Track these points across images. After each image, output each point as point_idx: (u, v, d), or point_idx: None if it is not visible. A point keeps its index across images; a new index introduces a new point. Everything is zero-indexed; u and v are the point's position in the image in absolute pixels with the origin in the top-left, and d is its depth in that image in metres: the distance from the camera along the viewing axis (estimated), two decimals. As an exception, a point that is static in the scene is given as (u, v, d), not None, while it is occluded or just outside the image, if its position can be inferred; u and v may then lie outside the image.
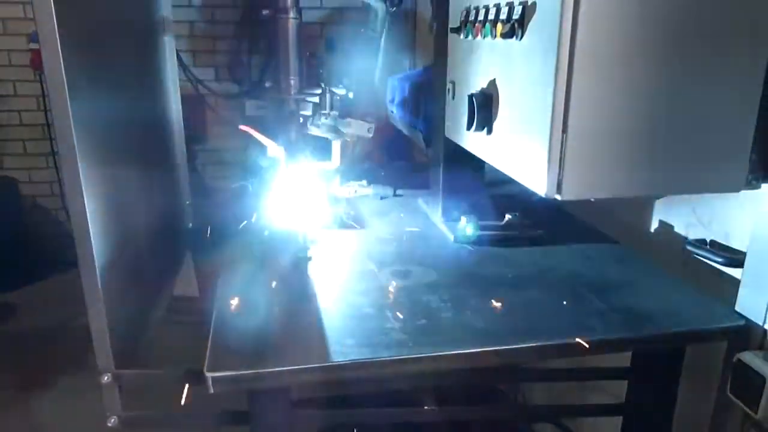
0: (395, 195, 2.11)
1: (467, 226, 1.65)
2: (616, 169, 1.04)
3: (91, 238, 1.15)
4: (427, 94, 1.86)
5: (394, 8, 1.70)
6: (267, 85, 1.67)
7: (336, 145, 1.89)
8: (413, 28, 3.96)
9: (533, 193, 1.10)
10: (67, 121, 1.09)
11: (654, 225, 1.66)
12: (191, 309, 3.08)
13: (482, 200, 1.74)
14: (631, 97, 1.00)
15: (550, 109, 0.99)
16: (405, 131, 2.38)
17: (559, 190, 1.03)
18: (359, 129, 1.89)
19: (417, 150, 3.73)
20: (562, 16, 0.95)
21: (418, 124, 1.99)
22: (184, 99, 2.30)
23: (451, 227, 1.67)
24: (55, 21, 1.05)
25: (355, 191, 1.99)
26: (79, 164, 1.12)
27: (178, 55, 2.24)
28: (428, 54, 3.66)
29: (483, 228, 1.65)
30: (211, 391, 1.02)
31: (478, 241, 1.62)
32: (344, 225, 1.74)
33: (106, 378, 1.20)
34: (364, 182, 2.07)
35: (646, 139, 1.03)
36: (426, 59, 3.60)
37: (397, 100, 2.35)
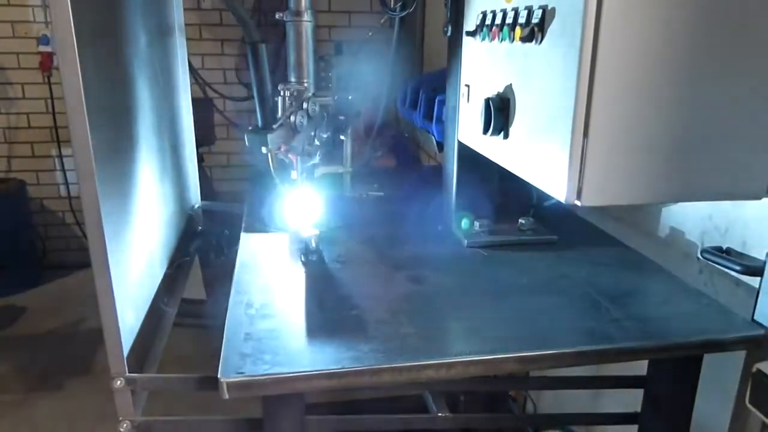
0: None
1: (481, 231, 1.64)
2: (638, 175, 1.02)
3: (105, 240, 1.14)
4: (440, 97, 1.85)
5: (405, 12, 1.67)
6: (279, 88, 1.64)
7: (347, 145, 1.86)
8: (422, 32, 3.97)
9: (547, 197, 1.09)
10: (82, 122, 1.09)
11: (669, 231, 1.64)
12: (199, 312, 3.09)
13: (496, 204, 1.73)
14: (653, 102, 0.99)
15: (571, 113, 0.98)
16: (417, 135, 2.38)
17: (579, 196, 1.02)
18: None
19: (425, 154, 3.72)
20: (584, 20, 0.94)
21: (431, 128, 1.99)
22: (193, 102, 2.30)
23: (465, 232, 1.66)
24: (72, 23, 1.05)
25: (367, 195, 1.97)
26: (94, 165, 1.11)
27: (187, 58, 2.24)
28: (436, 58, 3.66)
29: (496, 232, 1.64)
30: (226, 396, 1.01)
31: (491, 246, 1.61)
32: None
33: (118, 382, 1.19)
34: (376, 186, 2.06)
35: (668, 145, 1.02)
36: (433, 63, 3.59)
37: (408, 103, 2.35)
